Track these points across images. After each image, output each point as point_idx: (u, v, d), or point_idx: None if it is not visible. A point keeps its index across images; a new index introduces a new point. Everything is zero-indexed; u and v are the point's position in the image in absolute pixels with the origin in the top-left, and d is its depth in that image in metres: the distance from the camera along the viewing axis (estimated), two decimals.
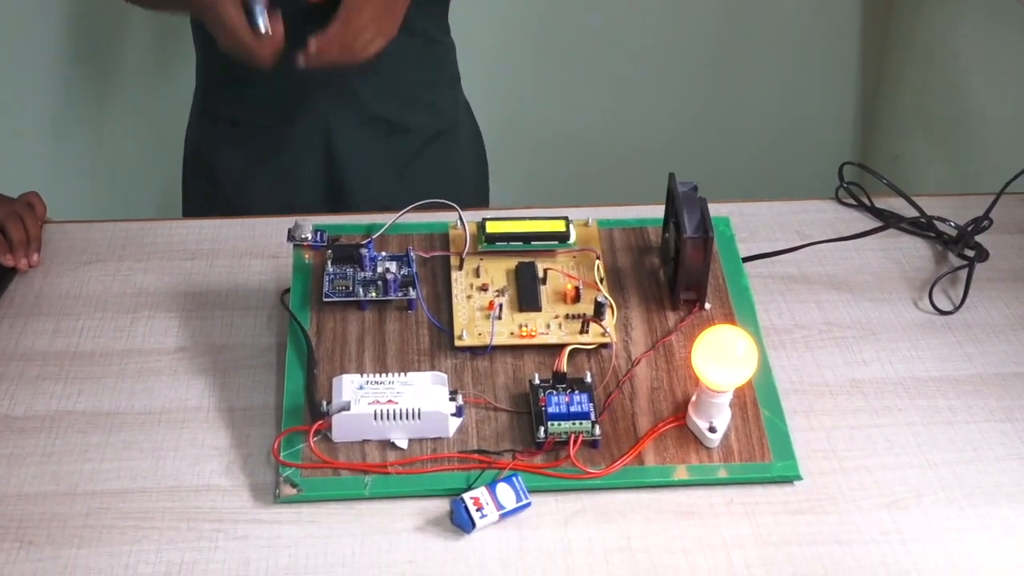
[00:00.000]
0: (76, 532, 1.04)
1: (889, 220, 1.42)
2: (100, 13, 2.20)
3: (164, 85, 2.31)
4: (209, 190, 1.62)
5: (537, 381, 1.13)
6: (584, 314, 1.20)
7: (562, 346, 1.17)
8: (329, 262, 1.24)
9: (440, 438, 1.11)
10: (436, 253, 1.29)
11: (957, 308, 1.30)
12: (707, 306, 1.24)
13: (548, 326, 1.20)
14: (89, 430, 1.14)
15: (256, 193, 1.58)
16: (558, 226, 1.28)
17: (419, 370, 1.17)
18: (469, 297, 1.23)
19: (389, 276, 1.22)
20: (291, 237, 1.27)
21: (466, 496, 1.04)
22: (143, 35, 2.24)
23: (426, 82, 1.59)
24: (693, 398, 1.12)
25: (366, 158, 1.58)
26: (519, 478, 1.06)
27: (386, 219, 1.30)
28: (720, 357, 1.06)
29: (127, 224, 1.40)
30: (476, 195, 1.73)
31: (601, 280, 1.25)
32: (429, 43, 1.57)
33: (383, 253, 1.27)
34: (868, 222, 1.43)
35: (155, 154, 2.38)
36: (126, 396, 1.17)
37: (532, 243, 1.27)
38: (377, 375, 1.12)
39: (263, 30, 1.28)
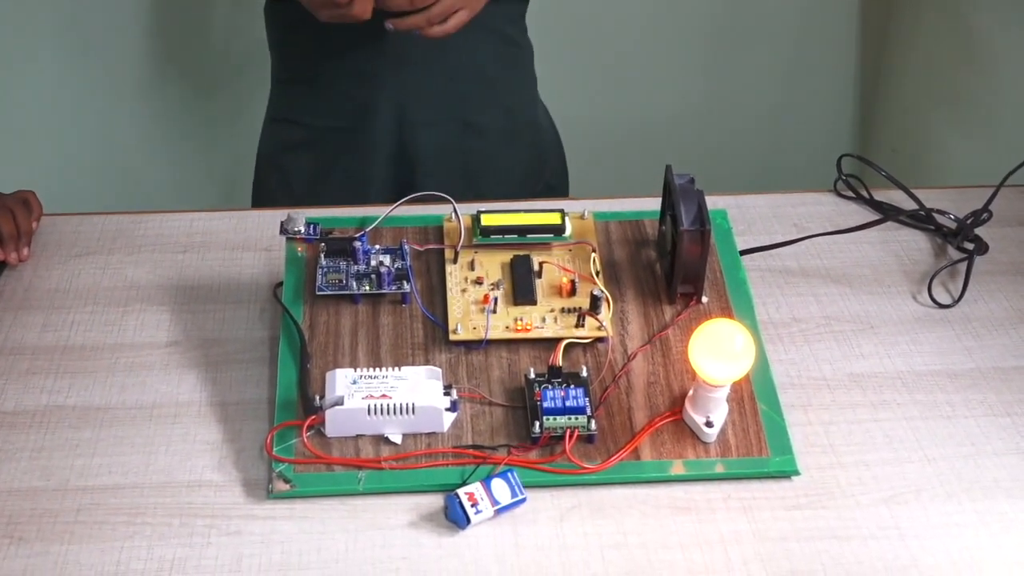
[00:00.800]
0: (67, 528, 1.04)
1: (888, 213, 1.42)
2: (99, 10, 2.20)
3: (166, 84, 2.31)
4: (280, 193, 1.64)
5: (532, 375, 1.13)
6: (580, 308, 1.20)
7: (558, 340, 1.17)
8: (322, 255, 1.24)
9: (434, 433, 1.10)
10: (430, 246, 1.28)
11: (956, 301, 1.30)
12: (704, 300, 1.24)
13: (543, 320, 1.20)
14: (80, 425, 1.13)
15: (326, 195, 1.59)
16: (554, 219, 1.28)
17: (413, 364, 1.17)
18: (464, 291, 1.23)
19: (383, 269, 1.22)
20: (283, 230, 1.27)
21: (461, 491, 1.04)
22: (146, 30, 2.24)
23: (502, 83, 1.59)
24: (690, 392, 1.12)
25: (439, 159, 1.58)
26: (514, 473, 1.06)
27: (380, 212, 1.29)
28: (717, 351, 1.06)
29: (118, 217, 1.40)
30: (561, 179, 1.73)
31: (597, 273, 1.25)
32: (506, 43, 1.58)
33: (377, 246, 1.26)
34: (867, 215, 1.43)
35: (162, 149, 2.38)
36: (117, 391, 1.17)
37: (527, 236, 1.27)
38: (371, 369, 1.12)
39: None
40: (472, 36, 1.44)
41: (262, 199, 1.70)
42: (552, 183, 1.73)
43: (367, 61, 1.51)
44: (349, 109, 1.55)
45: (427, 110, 1.55)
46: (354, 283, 1.22)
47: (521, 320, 1.19)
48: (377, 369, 1.12)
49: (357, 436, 1.10)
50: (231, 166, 2.34)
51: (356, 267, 1.24)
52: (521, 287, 1.22)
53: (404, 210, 1.29)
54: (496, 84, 1.58)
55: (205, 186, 2.44)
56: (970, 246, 1.37)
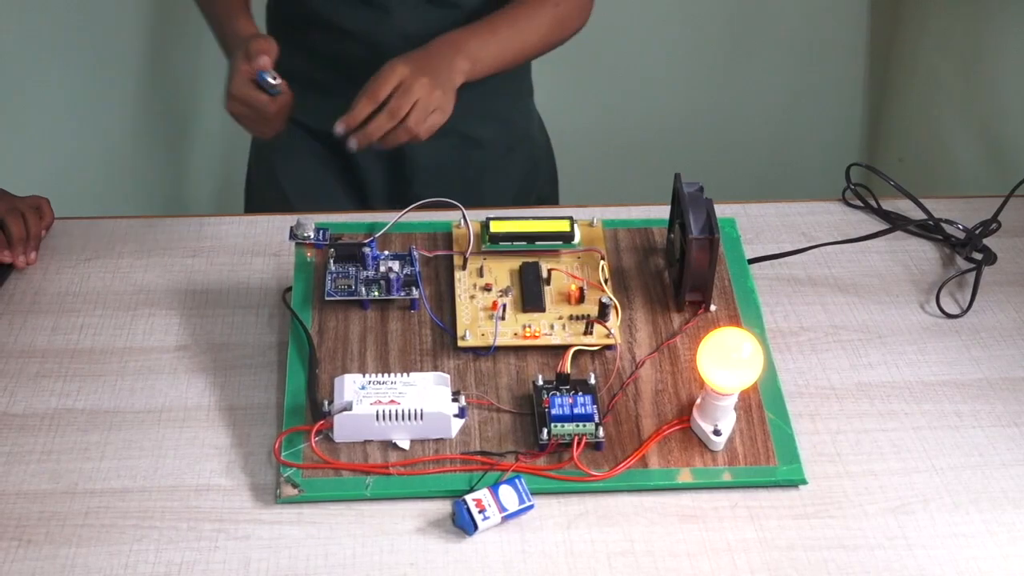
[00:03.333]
0: (75, 531, 1.04)
1: (896, 222, 1.42)
2: (110, 15, 2.21)
3: (169, 81, 2.32)
4: (273, 196, 1.63)
5: (540, 382, 1.13)
6: (588, 315, 1.21)
7: (566, 347, 1.17)
8: (331, 261, 1.24)
9: (442, 439, 1.11)
10: (439, 252, 1.29)
11: (964, 312, 1.30)
12: (712, 308, 1.24)
13: (552, 327, 1.20)
14: (89, 428, 1.14)
15: (321, 201, 1.58)
16: (562, 226, 1.28)
17: (421, 370, 1.17)
18: (472, 297, 1.23)
19: (392, 275, 1.23)
20: (293, 235, 1.27)
21: (468, 498, 1.04)
22: (151, 29, 2.25)
23: (503, 95, 1.59)
24: (698, 401, 1.12)
25: (436, 169, 1.58)
26: (522, 480, 1.06)
27: (389, 218, 1.30)
28: (725, 359, 1.06)
29: (128, 221, 1.40)
30: (551, 184, 1.73)
31: (605, 281, 1.25)
32: None
33: (386, 252, 1.27)
34: (875, 224, 1.43)
35: (164, 152, 2.39)
36: (126, 394, 1.18)
37: (536, 243, 1.27)
38: (379, 375, 1.12)
39: (275, 82, 1.28)
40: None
41: (255, 203, 1.69)
42: (544, 194, 1.73)
43: (362, 70, 1.50)
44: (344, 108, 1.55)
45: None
46: (363, 289, 1.23)
47: (529, 327, 1.20)
48: (385, 375, 1.12)
49: (365, 441, 1.10)
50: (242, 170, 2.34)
51: (365, 273, 1.24)
52: (529, 294, 1.23)
53: (413, 216, 1.29)
54: (494, 96, 1.58)
55: (212, 190, 2.45)
56: (978, 256, 1.37)
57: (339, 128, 1.28)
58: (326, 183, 1.60)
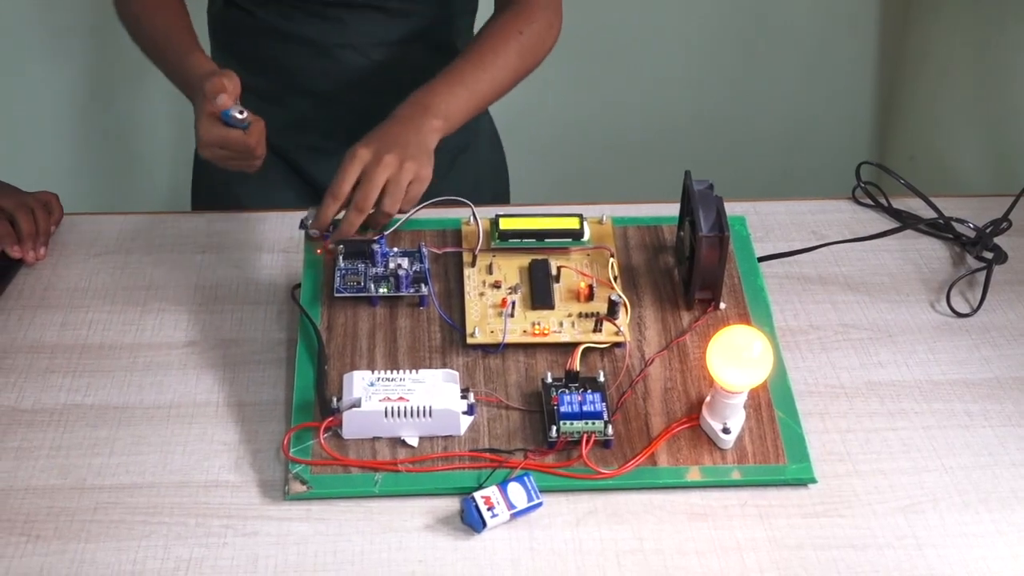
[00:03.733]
0: (84, 526, 1.04)
1: (907, 221, 1.42)
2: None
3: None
4: (222, 192, 1.61)
5: (549, 380, 1.13)
6: (597, 312, 1.20)
7: (575, 345, 1.17)
8: (340, 257, 1.24)
9: (451, 436, 1.11)
10: (449, 249, 1.29)
11: (975, 311, 1.30)
12: (722, 306, 1.24)
13: (561, 324, 1.20)
14: (98, 424, 1.14)
15: (271, 200, 1.56)
16: (572, 223, 1.28)
17: (430, 367, 1.17)
18: (481, 294, 1.23)
19: (401, 272, 1.23)
20: (303, 225, 1.27)
21: (477, 495, 1.04)
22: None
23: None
24: (707, 399, 1.12)
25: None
26: (531, 478, 1.06)
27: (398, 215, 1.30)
28: (735, 358, 1.06)
29: (136, 217, 1.41)
30: (498, 184, 1.72)
31: (615, 278, 1.25)
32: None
33: (395, 249, 1.27)
34: (885, 222, 1.43)
35: (170, 149, 2.39)
36: (135, 390, 1.18)
37: (546, 240, 1.27)
38: (388, 372, 1.12)
39: (242, 117, 1.22)
40: (425, 54, 1.46)
41: (202, 200, 1.65)
42: (497, 191, 1.72)
43: (314, 78, 1.50)
44: (291, 124, 1.54)
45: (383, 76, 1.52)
46: (372, 285, 1.23)
47: (539, 324, 1.20)
48: (394, 372, 1.12)
49: (374, 438, 1.10)
50: None
51: (374, 269, 1.24)
52: (539, 291, 1.23)
53: (423, 213, 1.29)
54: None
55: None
56: (989, 255, 1.37)
57: (313, 233, 1.24)
58: (276, 183, 1.57)
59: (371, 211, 1.22)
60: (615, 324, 1.19)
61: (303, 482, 1.06)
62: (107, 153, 2.40)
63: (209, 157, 1.24)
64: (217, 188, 1.60)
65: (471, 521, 1.04)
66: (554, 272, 1.25)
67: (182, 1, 1.42)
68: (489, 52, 1.36)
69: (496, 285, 1.24)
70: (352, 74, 1.49)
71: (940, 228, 1.41)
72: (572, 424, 1.09)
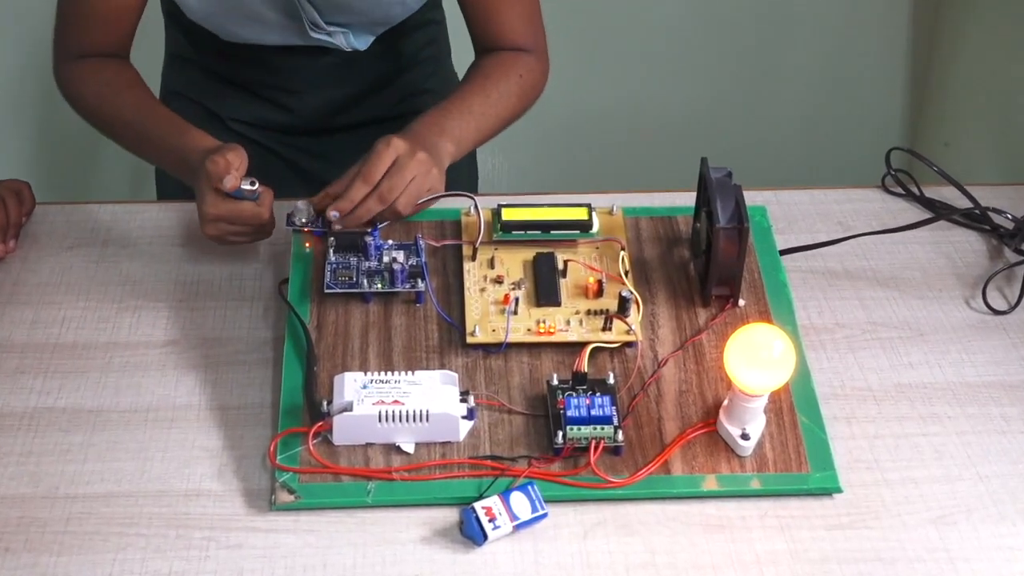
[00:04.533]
0: (56, 538, 1.05)
1: (940, 211, 1.42)
2: None
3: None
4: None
5: (555, 382, 1.13)
6: (607, 310, 1.21)
7: (583, 344, 1.18)
8: (331, 250, 1.25)
9: (449, 442, 1.11)
10: (447, 242, 1.29)
11: (1013, 308, 1.30)
12: (741, 303, 1.25)
13: (568, 322, 1.20)
14: (71, 428, 1.14)
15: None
16: (580, 214, 1.28)
17: (427, 368, 1.17)
18: (482, 290, 1.23)
19: (396, 266, 1.23)
20: (290, 222, 1.28)
21: (477, 506, 1.04)
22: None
23: (425, 78, 1.60)
24: (725, 402, 1.12)
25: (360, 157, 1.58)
26: (535, 487, 1.06)
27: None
28: (754, 358, 1.07)
29: (112, 206, 1.41)
30: (469, 178, 1.73)
31: (626, 273, 1.25)
32: (432, 29, 1.58)
33: (389, 241, 1.27)
34: (917, 213, 1.43)
35: None
36: (111, 392, 1.18)
37: (551, 232, 1.28)
38: (382, 373, 1.12)
39: (253, 188, 1.23)
40: (389, 36, 1.48)
41: (167, 187, 1.64)
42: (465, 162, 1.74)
43: (279, 72, 1.51)
44: (255, 104, 1.55)
45: (348, 116, 1.56)
46: (365, 281, 1.23)
47: (544, 322, 1.20)
48: (389, 373, 1.12)
49: (367, 444, 1.11)
50: None
51: (367, 263, 1.24)
52: (544, 287, 1.23)
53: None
54: (422, 79, 1.59)
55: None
56: None
57: (332, 214, 1.26)
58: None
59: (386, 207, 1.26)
60: (626, 322, 1.20)
61: (290, 491, 1.07)
62: (70, 140, 2.40)
63: (215, 235, 1.26)
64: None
65: (471, 533, 1.04)
66: (560, 266, 1.25)
67: (141, 77, 1.42)
68: (494, 88, 1.42)
69: (498, 280, 1.24)
70: (326, 71, 1.51)
71: (976, 219, 1.41)
72: (580, 429, 1.09)
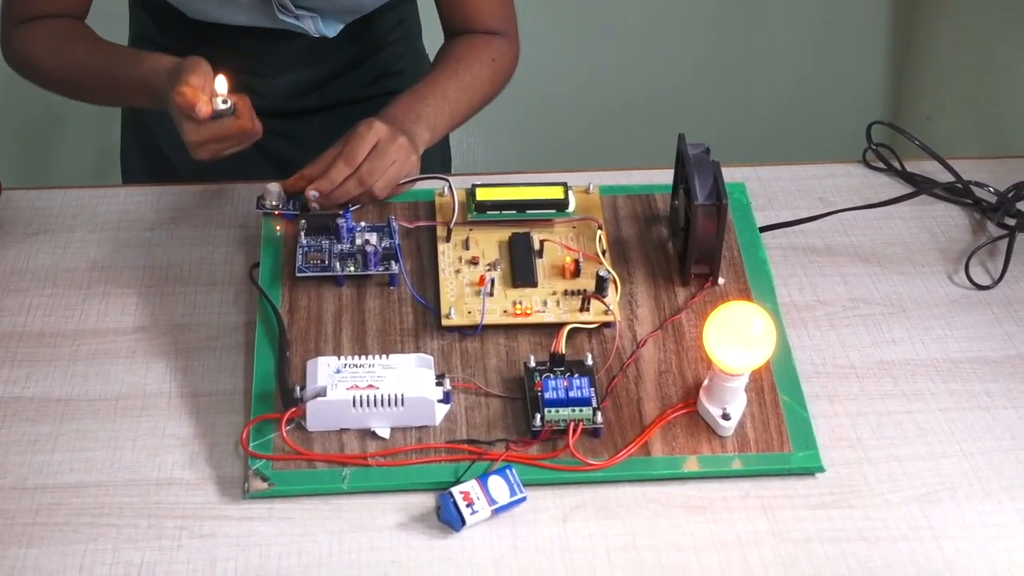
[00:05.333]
0: (25, 530, 1.04)
1: (922, 185, 1.42)
2: None
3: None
4: (155, 163, 1.61)
5: (533, 364, 1.14)
6: (584, 290, 1.21)
7: (560, 325, 1.18)
8: (302, 233, 1.25)
9: (426, 427, 1.11)
10: (421, 223, 1.29)
11: (996, 282, 1.31)
12: (720, 281, 1.25)
13: (545, 303, 1.21)
14: (38, 418, 1.14)
15: (207, 167, 1.56)
16: (556, 193, 1.28)
17: (402, 352, 1.17)
18: (457, 271, 1.23)
19: (369, 248, 1.23)
20: (260, 205, 1.27)
21: (455, 490, 1.04)
22: None
23: (396, 59, 1.60)
24: (705, 382, 1.13)
25: (331, 139, 1.58)
26: (513, 470, 1.07)
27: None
28: (735, 337, 1.07)
29: (79, 191, 1.40)
30: (442, 159, 1.73)
31: (603, 252, 1.25)
32: (403, 9, 1.58)
33: (362, 223, 1.27)
34: (899, 188, 1.43)
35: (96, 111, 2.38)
36: (79, 381, 1.18)
37: (527, 212, 1.28)
38: (356, 357, 1.12)
39: (227, 106, 1.22)
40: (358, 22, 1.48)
41: (133, 169, 1.66)
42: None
43: (248, 53, 1.51)
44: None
45: (318, 98, 1.56)
46: (337, 264, 1.23)
47: (520, 303, 1.20)
48: (363, 357, 1.12)
49: (341, 430, 1.11)
50: None
51: (340, 246, 1.24)
52: (520, 267, 1.23)
53: None
54: (393, 58, 1.59)
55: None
56: (1011, 222, 1.37)
57: (312, 194, 1.26)
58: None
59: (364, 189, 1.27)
60: (604, 302, 1.20)
61: (264, 479, 1.07)
62: (32, 125, 2.39)
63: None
64: (151, 154, 1.61)
65: (449, 519, 1.04)
66: (537, 246, 1.25)
67: (94, 31, 1.40)
68: (467, 73, 1.42)
69: (473, 261, 1.24)
70: (295, 54, 1.51)
71: (958, 193, 1.42)
72: (558, 412, 1.09)
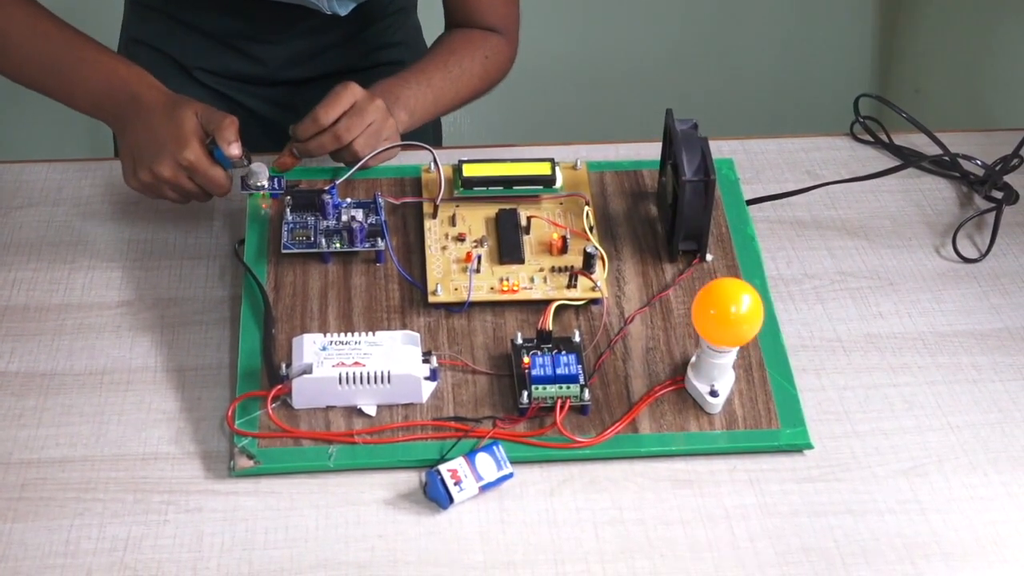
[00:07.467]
0: (10, 505, 1.05)
1: (909, 158, 1.43)
2: None
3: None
4: None
5: (520, 341, 1.14)
6: (572, 266, 1.21)
7: (548, 302, 1.18)
8: (288, 210, 1.25)
9: (412, 404, 1.12)
10: (407, 199, 1.29)
11: (983, 255, 1.32)
12: (708, 257, 1.25)
13: (532, 280, 1.21)
14: (23, 393, 1.14)
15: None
16: (543, 169, 1.28)
17: (389, 329, 1.18)
18: (444, 248, 1.24)
19: (355, 225, 1.23)
20: (245, 185, 1.27)
21: (442, 468, 1.05)
22: None
23: (393, 31, 1.60)
24: (693, 359, 1.13)
25: None
26: (500, 447, 1.07)
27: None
28: (723, 313, 1.07)
29: (63, 164, 1.40)
30: (433, 134, 1.73)
31: (591, 229, 1.25)
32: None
33: (348, 200, 1.27)
34: (886, 160, 1.44)
35: None
36: (64, 355, 1.18)
37: (514, 188, 1.28)
38: (342, 334, 1.12)
39: (238, 155, 1.23)
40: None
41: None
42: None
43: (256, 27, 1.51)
44: (224, 56, 1.54)
45: (315, 66, 1.56)
46: (323, 240, 1.23)
47: (507, 280, 1.20)
48: (349, 334, 1.12)
49: (327, 408, 1.11)
50: None
51: (325, 223, 1.24)
52: (507, 244, 1.23)
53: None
54: (388, 34, 1.59)
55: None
56: (999, 195, 1.38)
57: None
58: None
59: (341, 146, 1.27)
60: (591, 279, 1.20)
61: (250, 457, 1.07)
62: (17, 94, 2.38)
63: (167, 179, 1.23)
64: None
65: (436, 496, 1.04)
66: (524, 223, 1.25)
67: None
68: (456, 65, 1.43)
69: (460, 238, 1.25)
70: (299, 23, 1.50)
71: (945, 166, 1.42)
72: (545, 389, 1.10)
